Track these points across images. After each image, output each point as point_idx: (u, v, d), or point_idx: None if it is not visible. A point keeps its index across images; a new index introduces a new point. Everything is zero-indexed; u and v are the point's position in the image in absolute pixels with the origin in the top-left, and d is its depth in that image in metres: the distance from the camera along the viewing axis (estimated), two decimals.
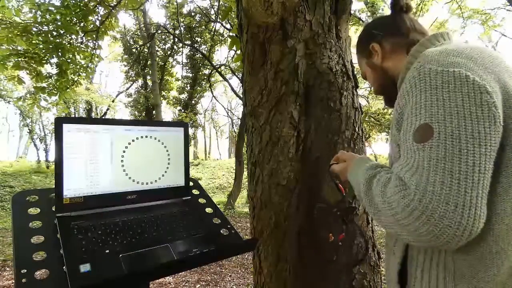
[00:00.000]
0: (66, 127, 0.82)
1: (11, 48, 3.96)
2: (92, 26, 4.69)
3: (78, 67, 4.85)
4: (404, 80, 0.63)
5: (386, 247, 0.78)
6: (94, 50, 4.90)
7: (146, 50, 13.02)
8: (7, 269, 3.90)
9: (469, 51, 0.60)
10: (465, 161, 0.50)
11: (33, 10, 4.10)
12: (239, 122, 10.43)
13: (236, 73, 10.69)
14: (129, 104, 15.53)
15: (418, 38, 0.78)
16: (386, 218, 0.58)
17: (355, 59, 1.11)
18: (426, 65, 0.59)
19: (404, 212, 0.53)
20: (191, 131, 15.78)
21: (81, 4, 4.30)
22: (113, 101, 17.06)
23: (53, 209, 0.82)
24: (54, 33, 4.20)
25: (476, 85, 0.53)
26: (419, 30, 0.81)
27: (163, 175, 0.99)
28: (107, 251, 0.74)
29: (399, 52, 0.80)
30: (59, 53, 4.33)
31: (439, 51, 0.62)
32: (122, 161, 0.91)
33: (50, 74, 4.62)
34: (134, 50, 14.38)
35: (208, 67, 12.86)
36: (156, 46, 13.26)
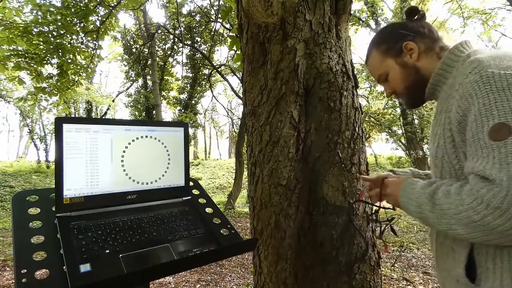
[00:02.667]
0: (66, 127, 0.82)
1: (11, 48, 3.96)
2: (92, 26, 4.69)
3: (78, 67, 4.85)
4: (463, 85, 0.66)
5: (439, 246, 0.79)
6: (95, 51, 4.90)
7: (146, 50, 13.02)
8: (7, 269, 3.90)
9: (510, 55, 0.65)
10: None
11: (34, 11, 4.10)
12: (239, 122, 10.43)
13: (236, 73, 10.70)
14: (129, 104, 15.54)
15: (444, 44, 0.83)
16: (466, 226, 0.59)
17: (355, 59, 1.12)
18: (487, 69, 0.62)
19: (496, 211, 0.54)
20: (191, 131, 15.78)
21: (82, 5, 4.30)
22: (113, 101, 17.07)
23: (53, 209, 0.82)
24: (55, 34, 4.20)
25: None
26: (440, 36, 0.85)
27: (163, 175, 0.99)
28: (107, 251, 0.74)
29: (431, 54, 0.83)
30: (60, 54, 4.34)
31: (489, 56, 0.65)
32: (122, 161, 0.91)
33: (51, 74, 4.63)
34: (134, 50, 14.38)
35: (208, 67, 12.86)
36: (156, 46, 13.25)
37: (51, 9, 4.02)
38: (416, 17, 0.88)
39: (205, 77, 13.59)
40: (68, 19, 4.14)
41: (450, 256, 0.74)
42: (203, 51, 12.17)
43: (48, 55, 4.26)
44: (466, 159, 0.67)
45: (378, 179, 0.92)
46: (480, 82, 0.62)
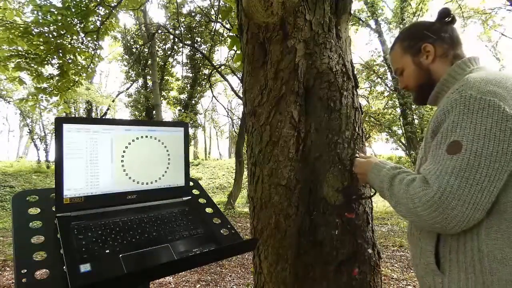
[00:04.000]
0: (66, 127, 0.82)
1: (12, 49, 3.96)
2: (92, 26, 4.69)
3: (79, 67, 4.85)
4: (446, 99, 0.75)
5: (410, 237, 0.91)
6: (95, 51, 4.90)
7: (146, 50, 13.03)
8: (7, 269, 3.90)
9: (505, 81, 0.71)
10: (480, 172, 0.66)
11: (35, 11, 4.10)
12: (239, 122, 10.43)
13: (236, 73, 10.70)
14: (129, 104, 15.54)
15: (460, 52, 0.90)
16: (405, 209, 0.75)
17: (355, 59, 1.14)
18: (468, 90, 0.71)
19: (424, 205, 0.69)
20: (191, 131, 15.78)
21: (82, 5, 4.30)
22: (113, 101, 17.09)
23: (53, 209, 0.82)
24: (55, 34, 4.20)
25: (505, 114, 0.66)
26: (461, 43, 0.91)
27: (163, 175, 0.99)
28: (107, 251, 0.74)
29: (446, 60, 0.89)
30: (60, 54, 4.33)
31: (480, 78, 0.73)
32: (122, 161, 0.91)
33: (52, 75, 4.62)
34: (134, 50, 14.39)
35: (208, 67, 12.86)
36: (156, 46, 13.26)
37: (52, 9, 4.02)
38: (447, 20, 0.91)
39: (205, 77, 13.58)
40: (68, 19, 4.14)
41: (418, 245, 0.85)
42: (203, 51, 12.17)
43: (49, 55, 4.25)
44: None
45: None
46: (458, 101, 0.71)
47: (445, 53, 0.89)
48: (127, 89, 16.53)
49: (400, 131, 12.32)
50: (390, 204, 0.83)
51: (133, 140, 0.94)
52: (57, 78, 4.57)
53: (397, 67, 0.98)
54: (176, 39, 12.12)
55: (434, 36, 0.89)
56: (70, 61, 4.58)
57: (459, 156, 0.67)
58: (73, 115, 15.41)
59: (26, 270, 0.64)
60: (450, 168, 0.68)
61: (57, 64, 4.53)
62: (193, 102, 14.61)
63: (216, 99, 16.23)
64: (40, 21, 4.03)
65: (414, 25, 0.98)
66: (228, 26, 9.05)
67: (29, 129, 16.11)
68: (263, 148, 1.24)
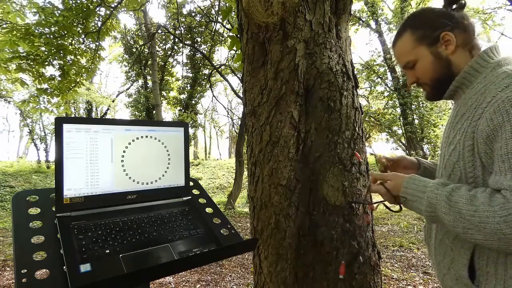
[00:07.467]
0: (66, 127, 0.82)
1: (12, 50, 3.96)
2: (93, 27, 4.70)
3: (80, 68, 4.85)
4: (497, 98, 0.66)
5: (438, 243, 0.81)
6: (96, 52, 4.91)
7: (146, 50, 13.03)
8: (7, 269, 3.90)
9: None
10: None
11: (37, 13, 4.11)
12: (239, 122, 10.43)
13: (236, 73, 10.70)
14: (129, 104, 15.55)
15: (477, 42, 0.81)
16: (487, 235, 0.61)
17: (355, 59, 1.12)
18: None
19: None
20: (191, 131, 15.77)
21: (83, 6, 4.30)
22: (113, 101, 17.10)
23: (53, 209, 0.82)
24: (56, 35, 4.20)
25: None
26: (477, 33, 0.83)
27: (163, 175, 0.99)
28: (107, 251, 0.75)
29: (465, 50, 0.80)
30: (61, 55, 4.34)
31: None
32: (122, 161, 0.91)
33: (53, 76, 4.63)
34: (134, 50, 14.39)
35: (208, 67, 12.87)
36: (157, 46, 13.26)
37: (54, 11, 4.02)
38: (455, 7, 0.83)
39: (205, 77, 13.59)
40: (69, 20, 4.14)
41: (448, 255, 0.77)
42: (203, 51, 12.17)
43: (50, 56, 4.26)
44: (483, 168, 0.69)
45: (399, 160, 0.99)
46: None
47: (465, 42, 0.80)
48: (127, 89, 16.54)
49: (400, 131, 12.32)
50: (453, 230, 0.68)
51: (133, 140, 0.94)
52: (58, 79, 4.57)
53: (409, 60, 0.85)
54: (176, 39, 12.13)
55: (452, 23, 0.80)
56: (71, 62, 4.58)
57: None
58: (73, 115, 15.43)
59: (26, 270, 0.64)
60: None
61: (58, 65, 4.54)
62: (193, 102, 14.62)
63: (216, 99, 16.25)
64: (43, 22, 4.03)
65: (425, 12, 0.86)
66: (228, 26, 9.05)
67: (29, 129, 16.13)
68: (263, 148, 1.24)
